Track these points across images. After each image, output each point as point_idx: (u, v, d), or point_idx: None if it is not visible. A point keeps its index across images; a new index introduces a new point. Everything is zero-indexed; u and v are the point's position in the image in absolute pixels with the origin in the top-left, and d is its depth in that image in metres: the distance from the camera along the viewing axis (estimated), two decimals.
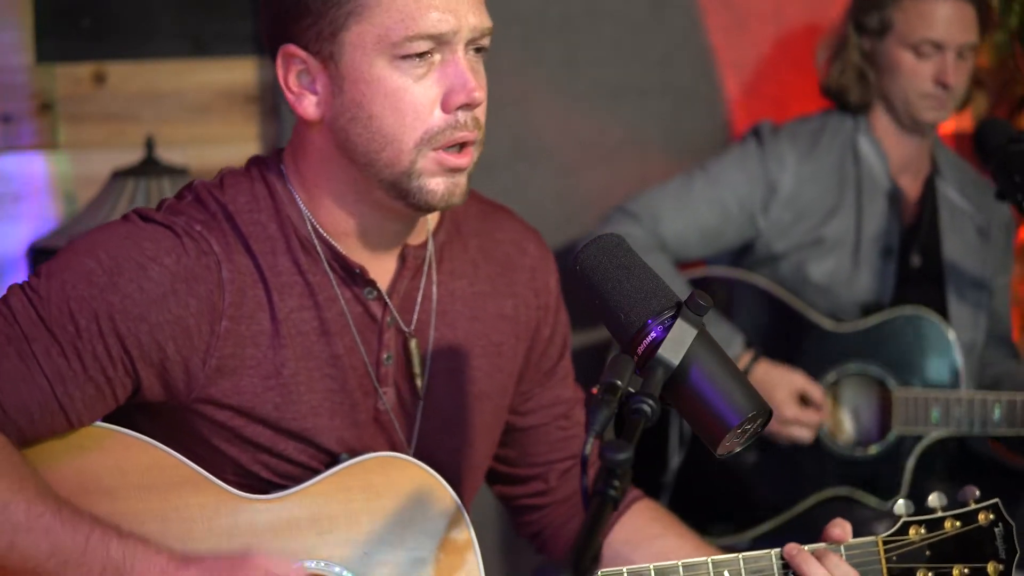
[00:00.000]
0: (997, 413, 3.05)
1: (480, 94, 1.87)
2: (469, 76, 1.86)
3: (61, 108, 3.29)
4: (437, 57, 1.86)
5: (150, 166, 3.15)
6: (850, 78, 3.29)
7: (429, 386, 2.04)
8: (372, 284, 1.97)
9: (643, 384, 1.59)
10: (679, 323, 1.65)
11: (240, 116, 3.39)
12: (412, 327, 2.02)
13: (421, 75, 1.85)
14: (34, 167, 3.28)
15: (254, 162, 2.01)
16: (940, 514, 1.97)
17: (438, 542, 1.95)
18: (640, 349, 1.66)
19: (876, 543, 1.96)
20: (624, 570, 1.88)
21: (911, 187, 3.34)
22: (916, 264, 3.29)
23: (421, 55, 1.85)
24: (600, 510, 1.42)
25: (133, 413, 1.92)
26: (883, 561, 1.95)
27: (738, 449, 1.71)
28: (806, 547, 1.92)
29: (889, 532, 1.96)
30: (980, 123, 2.95)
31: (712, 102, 3.69)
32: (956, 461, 3.34)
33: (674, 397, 1.66)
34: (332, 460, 1.97)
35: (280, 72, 1.91)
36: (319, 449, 1.96)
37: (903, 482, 3.16)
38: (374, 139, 1.87)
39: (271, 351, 1.92)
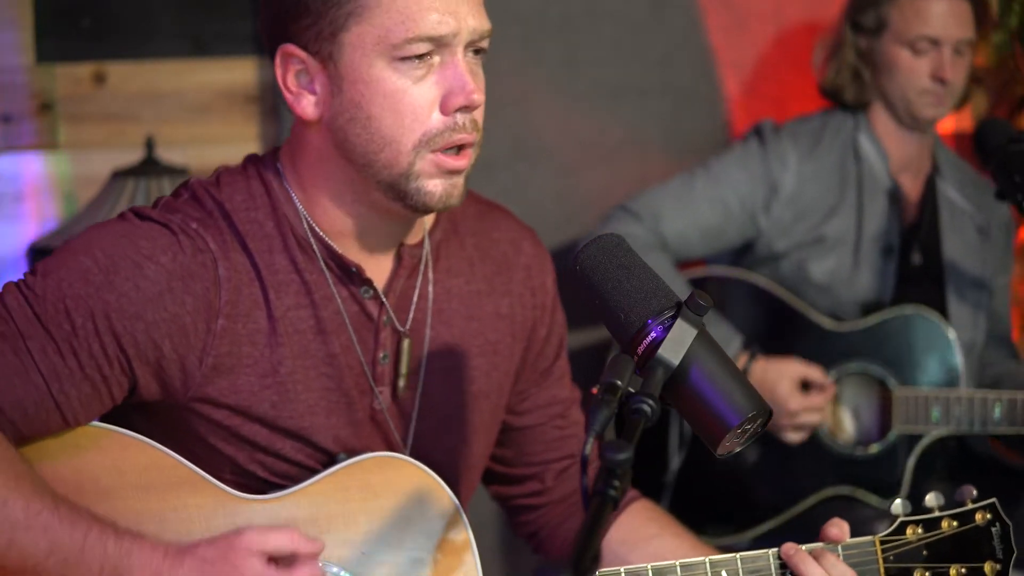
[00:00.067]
0: (997, 412, 3.05)
1: (479, 96, 1.87)
2: (468, 78, 1.86)
3: (61, 108, 3.29)
4: (436, 59, 1.86)
5: (150, 166, 3.15)
6: (845, 77, 3.29)
7: (425, 385, 2.04)
8: (368, 283, 1.97)
9: (643, 384, 1.59)
10: (679, 323, 1.65)
11: (240, 116, 3.39)
12: (407, 326, 2.02)
13: (420, 77, 1.86)
14: (34, 167, 3.28)
15: (251, 160, 2.01)
16: (937, 514, 1.97)
17: (436, 542, 1.95)
18: (640, 349, 1.66)
19: (873, 543, 1.96)
20: (622, 570, 1.88)
21: (912, 186, 3.34)
22: (917, 263, 3.29)
23: (420, 57, 1.85)
24: (600, 510, 1.42)
25: (130, 413, 1.92)
26: (880, 561, 1.95)
27: (738, 449, 1.71)
28: (803, 547, 1.92)
29: (886, 532, 1.96)
30: (980, 123, 2.96)
31: (712, 102, 3.69)
32: (956, 460, 3.34)
33: (674, 397, 1.66)
34: (329, 459, 1.97)
35: (279, 72, 1.91)
36: (316, 448, 1.96)
37: (904, 481, 3.16)
38: (372, 140, 1.87)
39: (268, 349, 1.92)
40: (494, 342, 2.10)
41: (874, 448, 3.18)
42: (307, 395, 1.95)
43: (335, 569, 1.91)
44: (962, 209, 3.33)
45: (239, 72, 3.39)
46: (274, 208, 1.95)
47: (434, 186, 1.89)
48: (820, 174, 3.26)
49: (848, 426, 3.25)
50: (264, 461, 1.95)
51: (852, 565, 1.92)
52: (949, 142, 3.60)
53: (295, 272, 1.94)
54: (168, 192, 2.00)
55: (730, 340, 3.13)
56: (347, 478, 1.94)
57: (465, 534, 1.96)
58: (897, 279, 3.26)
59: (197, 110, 3.38)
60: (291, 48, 1.89)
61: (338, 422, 1.97)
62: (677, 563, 1.90)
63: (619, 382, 1.56)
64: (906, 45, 3.20)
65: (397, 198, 1.90)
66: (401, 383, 2.02)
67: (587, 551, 1.37)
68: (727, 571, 1.91)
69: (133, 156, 3.19)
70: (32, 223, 3.28)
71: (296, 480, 1.94)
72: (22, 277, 1.87)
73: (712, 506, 3.27)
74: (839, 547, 1.94)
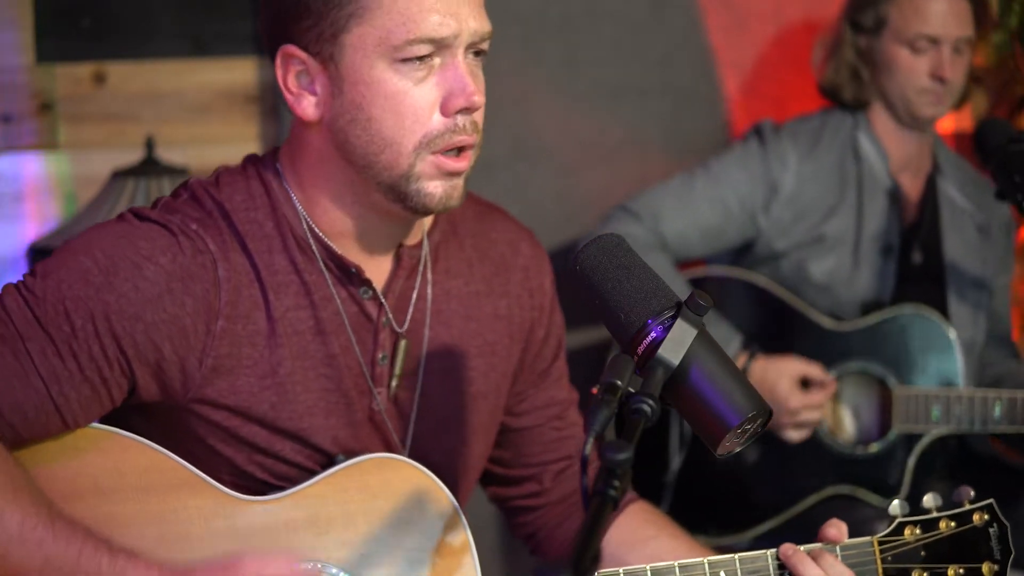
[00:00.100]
0: (997, 411, 3.05)
1: (479, 98, 1.87)
2: (469, 80, 1.86)
3: (61, 108, 3.29)
4: (437, 60, 1.86)
5: (150, 166, 3.15)
6: (844, 76, 3.29)
7: (424, 386, 2.04)
8: (368, 284, 1.97)
9: (643, 384, 1.59)
10: (679, 323, 1.65)
11: (240, 116, 3.39)
12: (405, 327, 2.02)
13: (421, 78, 1.86)
14: (34, 167, 3.28)
15: (250, 160, 2.01)
16: (935, 515, 1.97)
17: (435, 543, 1.95)
18: (640, 349, 1.66)
19: (871, 543, 1.96)
20: (621, 571, 1.88)
21: (912, 185, 3.34)
22: (917, 262, 3.29)
23: (421, 58, 1.85)
24: (600, 510, 1.42)
25: (129, 414, 1.92)
26: (878, 561, 1.95)
27: (738, 449, 1.71)
28: (801, 547, 1.93)
29: (884, 533, 1.96)
30: (980, 123, 2.96)
31: (712, 102, 3.69)
32: (957, 459, 3.34)
33: (674, 397, 1.66)
34: (328, 460, 1.97)
35: (279, 72, 1.91)
36: (315, 449, 1.96)
37: (904, 480, 3.16)
38: (373, 141, 1.87)
39: (267, 350, 1.92)
40: (492, 343, 2.10)
41: (874, 447, 3.18)
42: (306, 396, 1.95)
43: (334, 570, 1.91)
44: (962, 208, 3.33)
45: (239, 72, 3.39)
46: (274, 208, 1.95)
47: (434, 188, 1.89)
48: (820, 174, 3.26)
49: (848, 425, 3.25)
50: (263, 462, 1.95)
51: (850, 566, 1.92)
52: (949, 142, 3.60)
53: (294, 273, 1.94)
54: (168, 192, 2.00)
55: (730, 340, 3.13)
56: (346, 479, 1.94)
57: (464, 535, 1.96)
58: (897, 278, 3.26)
59: (197, 110, 3.38)
60: (292, 49, 1.88)
61: (337, 423, 1.97)
62: (676, 564, 1.90)
63: (619, 382, 1.56)
64: (905, 44, 3.20)
65: (397, 199, 1.90)
66: (394, 383, 2.02)
67: (587, 551, 1.37)
68: (725, 572, 1.91)
69: (133, 156, 3.19)
70: (32, 223, 3.28)
71: (295, 481, 1.94)
72: (21, 279, 1.87)
73: (712, 506, 3.27)
74: (837, 548, 1.94)
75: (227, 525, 1.89)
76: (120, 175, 3.12)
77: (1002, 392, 3.06)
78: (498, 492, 2.27)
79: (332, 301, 1.96)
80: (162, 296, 1.85)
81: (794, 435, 3.14)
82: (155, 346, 1.86)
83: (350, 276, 1.97)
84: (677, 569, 1.90)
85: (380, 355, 2.00)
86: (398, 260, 2.00)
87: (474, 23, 1.87)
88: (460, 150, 1.89)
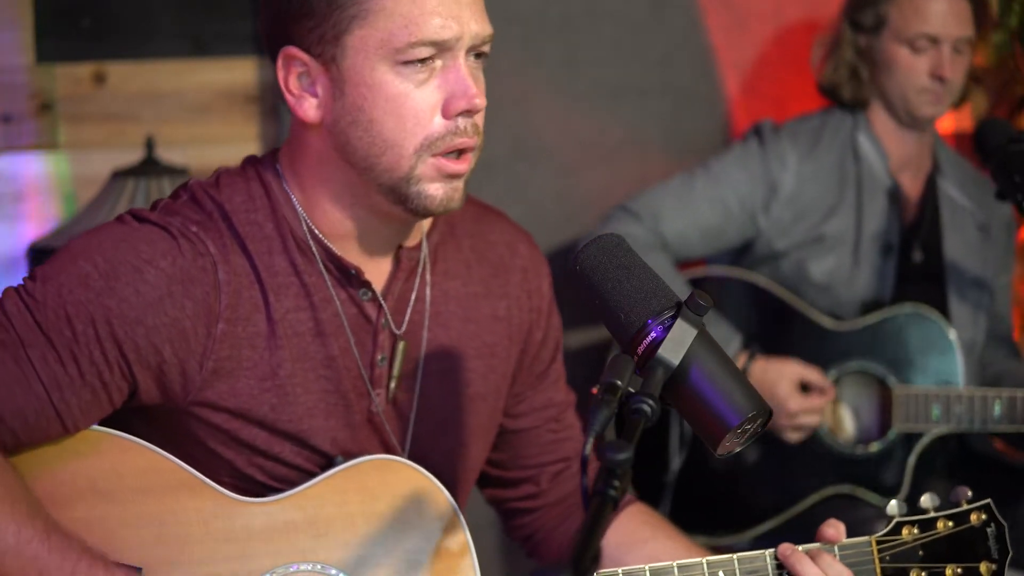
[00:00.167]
0: (997, 410, 3.05)
1: (481, 101, 1.88)
2: (470, 83, 1.86)
3: (61, 108, 3.29)
4: (438, 63, 1.86)
5: (150, 166, 3.14)
6: (843, 75, 3.29)
7: (423, 387, 2.04)
8: (367, 285, 1.97)
9: (643, 384, 1.59)
10: (679, 323, 1.65)
11: (240, 116, 3.39)
12: (403, 329, 2.02)
13: (422, 81, 1.86)
14: (34, 167, 3.28)
15: (250, 162, 2.01)
16: (933, 514, 1.98)
17: (434, 544, 1.95)
18: (640, 349, 1.66)
19: (870, 543, 1.96)
20: (619, 571, 1.88)
21: (912, 185, 3.34)
22: (917, 261, 3.29)
23: (423, 61, 1.85)
24: (600, 510, 1.42)
25: (129, 417, 1.92)
26: (876, 561, 1.96)
27: (738, 449, 1.71)
28: (800, 547, 1.93)
29: (882, 532, 1.97)
30: (980, 123, 2.95)
31: (712, 102, 3.69)
32: (957, 458, 3.35)
33: (674, 397, 1.66)
34: (327, 462, 1.97)
35: (280, 74, 1.91)
36: (314, 451, 1.96)
37: (904, 480, 3.16)
38: (374, 143, 1.87)
39: (267, 352, 1.92)
40: (491, 344, 2.10)
41: (874, 447, 3.18)
42: (306, 397, 1.95)
43: (333, 571, 1.91)
44: (963, 207, 3.33)
45: (239, 72, 3.39)
46: (274, 210, 1.95)
47: (435, 190, 1.89)
48: (819, 174, 3.26)
49: (848, 425, 3.25)
50: (262, 464, 1.95)
51: (848, 565, 1.93)
52: (949, 142, 3.60)
53: (294, 274, 1.94)
54: (168, 192, 2.01)
55: (730, 340, 3.13)
56: (345, 481, 1.94)
57: (463, 536, 1.96)
58: (897, 278, 3.26)
59: (197, 110, 3.38)
60: (293, 50, 1.88)
61: (336, 424, 1.97)
62: (675, 564, 1.90)
63: (619, 382, 1.56)
64: (905, 43, 3.20)
65: (398, 201, 1.90)
66: (392, 385, 2.02)
67: (587, 551, 1.37)
68: (724, 572, 1.91)
69: (133, 156, 3.19)
70: (32, 223, 3.28)
71: (294, 483, 1.94)
72: (21, 282, 1.86)
73: (713, 506, 3.27)
74: (835, 547, 1.94)
75: (226, 527, 1.89)
76: (120, 175, 3.12)
77: (1002, 391, 3.07)
78: (495, 494, 2.27)
79: (332, 303, 1.96)
80: (163, 300, 1.85)
81: (792, 436, 3.14)
82: (156, 349, 1.85)
83: (349, 278, 1.97)
84: (676, 569, 1.90)
85: (379, 357, 2.00)
86: (397, 262, 2.00)
87: (475, 26, 1.87)
88: (461, 152, 1.89)
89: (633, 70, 3.59)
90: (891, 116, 3.28)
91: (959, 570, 1.97)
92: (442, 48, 1.85)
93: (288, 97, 1.91)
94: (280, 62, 1.90)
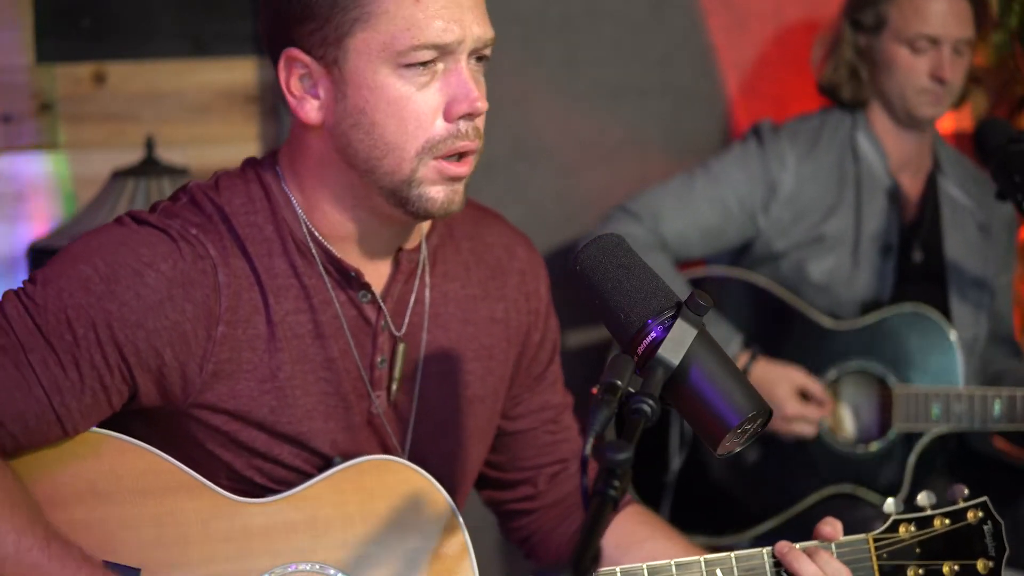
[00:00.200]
0: (997, 409, 3.05)
1: (483, 104, 1.88)
2: (472, 86, 1.87)
3: (61, 108, 3.29)
4: (440, 66, 1.86)
5: (150, 166, 3.14)
6: (843, 75, 3.29)
7: (422, 389, 2.05)
8: (367, 287, 1.97)
9: (643, 384, 1.60)
10: (679, 323, 1.65)
11: (240, 116, 3.39)
12: (403, 331, 2.02)
13: (424, 83, 1.86)
14: (34, 167, 3.28)
15: (249, 164, 2.01)
16: (929, 512, 1.99)
17: (433, 545, 1.95)
18: (640, 349, 1.66)
19: (867, 541, 1.97)
20: (617, 570, 1.89)
21: (912, 184, 3.34)
22: (917, 261, 3.29)
23: (425, 64, 1.85)
24: (600, 510, 1.43)
25: (129, 419, 1.91)
26: (874, 558, 1.96)
27: (738, 449, 1.72)
28: (797, 545, 1.93)
29: (880, 530, 1.97)
30: (980, 123, 2.96)
31: (712, 102, 3.69)
32: (957, 458, 3.35)
33: (674, 397, 1.66)
34: (325, 464, 1.97)
35: (282, 75, 1.91)
36: (313, 453, 1.96)
37: (905, 479, 3.16)
38: (376, 146, 1.87)
39: (267, 355, 1.92)
40: (489, 346, 2.10)
41: (874, 446, 3.19)
42: (305, 399, 1.95)
43: (332, 571, 1.91)
44: (964, 206, 3.33)
45: (239, 72, 3.39)
46: (273, 212, 1.95)
47: (436, 192, 1.89)
48: (818, 174, 3.26)
49: (848, 424, 3.25)
50: (261, 466, 1.95)
51: (846, 563, 1.94)
52: (949, 141, 3.60)
53: (294, 276, 1.94)
54: (168, 192, 2.00)
55: (730, 339, 3.13)
56: (343, 481, 1.94)
57: (462, 537, 1.96)
58: (898, 278, 3.26)
59: (197, 110, 3.38)
60: (295, 52, 1.88)
61: (335, 426, 1.97)
62: (672, 562, 1.91)
63: (619, 382, 1.56)
64: (905, 43, 3.20)
65: (398, 204, 1.90)
66: (394, 387, 2.02)
67: (587, 551, 1.37)
68: (722, 570, 1.92)
69: (133, 156, 3.19)
70: (32, 223, 3.28)
71: (292, 485, 1.94)
72: (21, 285, 1.86)
73: (713, 506, 3.27)
74: (833, 545, 1.95)
75: (225, 527, 1.89)
76: (120, 175, 3.12)
77: (1001, 390, 3.07)
78: (493, 496, 2.27)
79: (331, 305, 1.96)
80: (163, 303, 1.85)
81: (786, 437, 3.15)
82: (156, 352, 1.85)
83: (349, 280, 1.97)
84: (673, 567, 1.91)
85: (379, 359, 2.00)
86: (397, 264, 2.00)
87: (478, 29, 1.87)
88: (462, 155, 1.89)
89: (633, 70, 3.59)
90: (890, 116, 3.28)
91: (956, 567, 1.97)
92: (444, 51, 1.85)
93: (289, 99, 1.91)
94: (281, 64, 1.90)
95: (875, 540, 1.97)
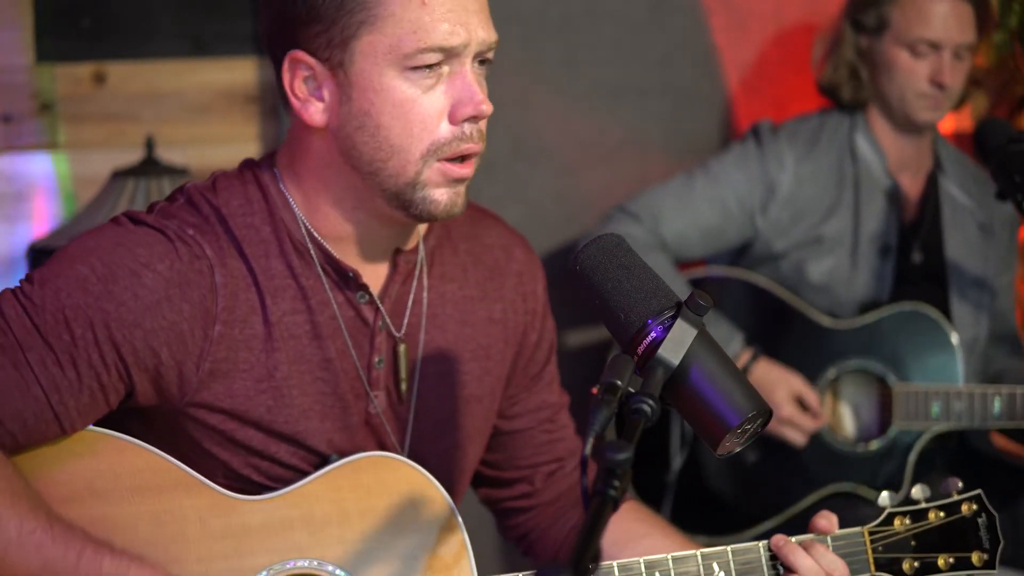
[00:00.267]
0: (997, 407, 3.06)
1: (487, 107, 1.89)
2: (477, 89, 1.87)
3: (61, 108, 3.29)
4: (445, 69, 1.87)
5: (150, 166, 3.15)
6: (842, 75, 3.29)
7: (420, 389, 2.05)
8: (364, 288, 1.98)
9: (643, 384, 1.60)
10: (679, 323, 1.66)
11: (240, 116, 3.39)
12: (402, 331, 2.02)
13: (430, 86, 1.86)
14: (34, 167, 3.28)
15: (247, 164, 2.01)
16: (924, 505, 1.99)
17: (431, 542, 1.95)
18: (640, 349, 1.66)
19: (862, 534, 1.98)
20: (614, 564, 1.89)
21: (912, 184, 3.34)
22: (917, 261, 3.29)
23: (430, 67, 1.85)
24: (600, 510, 1.43)
25: (126, 418, 1.92)
26: (869, 551, 1.97)
27: (738, 449, 1.72)
28: (793, 538, 1.93)
29: (875, 523, 1.98)
30: (980, 123, 2.95)
31: (712, 102, 3.69)
32: (957, 456, 3.35)
33: (674, 397, 1.67)
34: (323, 462, 1.98)
35: (286, 77, 1.90)
36: (310, 451, 1.97)
37: (905, 477, 3.16)
38: (381, 148, 1.87)
39: (264, 354, 1.92)
40: (487, 347, 2.10)
41: (874, 445, 3.19)
42: (302, 399, 1.95)
43: (330, 567, 1.91)
44: (964, 206, 3.33)
45: (239, 72, 3.39)
46: (271, 213, 1.95)
47: (440, 195, 1.89)
48: (817, 174, 3.26)
49: (848, 423, 3.26)
50: (258, 465, 1.95)
51: (841, 555, 1.95)
52: (949, 141, 3.60)
53: (291, 277, 1.94)
54: (167, 193, 2.00)
55: (731, 338, 3.14)
56: (341, 478, 1.94)
57: (460, 534, 1.97)
58: (897, 278, 3.26)
59: (197, 110, 3.38)
60: (299, 54, 1.88)
61: (332, 426, 1.98)
62: (668, 556, 1.91)
63: (619, 382, 1.57)
64: (906, 46, 3.19)
65: (401, 206, 1.90)
66: (403, 387, 2.03)
67: (587, 551, 1.37)
68: (718, 563, 1.92)
69: (133, 156, 3.19)
70: (32, 223, 3.28)
71: (289, 484, 1.94)
72: (18, 285, 1.87)
73: (713, 506, 3.28)
74: (828, 538, 1.95)
75: (223, 524, 1.89)
76: (120, 175, 3.12)
77: (1001, 388, 3.07)
78: (490, 494, 2.27)
79: (329, 305, 1.96)
80: (160, 303, 1.85)
81: (779, 439, 3.15)
82: (153, 352, 1.86)
83: (347, 280, 1.97)
84: (670, 561, 1.91)
85: (376, 359, 2.00)
86: (395, 265, 2.01)
87: (482, 32, 1.87)
88: (465, 157, 1.90)
89: (633, 70, 3.60)
90: (888, 118, 3.28)
91: (951, 560, 1.98)
92: (450, 54, 1.86)
93: (293, 101, 1.91)
94: (286, 65, 1.90)
95: (870, 533, 1.98)
